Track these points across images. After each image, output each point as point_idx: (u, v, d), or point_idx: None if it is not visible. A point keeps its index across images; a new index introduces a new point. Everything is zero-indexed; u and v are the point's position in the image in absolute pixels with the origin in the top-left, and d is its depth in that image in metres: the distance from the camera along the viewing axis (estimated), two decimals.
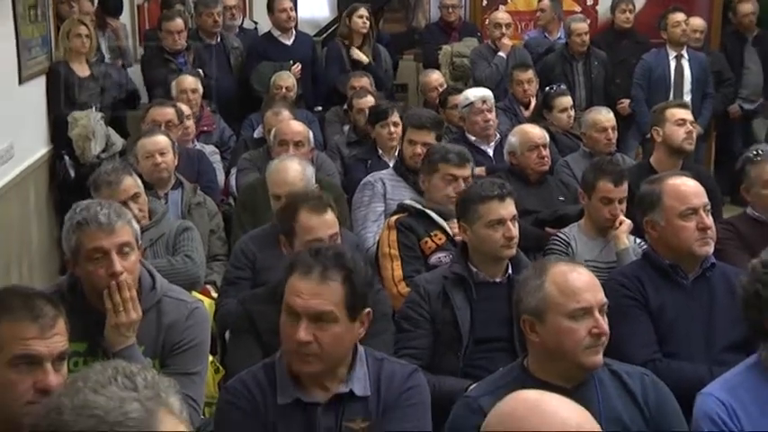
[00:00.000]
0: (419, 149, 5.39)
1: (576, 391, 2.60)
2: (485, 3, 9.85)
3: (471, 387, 3.20)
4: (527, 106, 7.59)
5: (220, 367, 4.07)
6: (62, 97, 6.74)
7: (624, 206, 4.61)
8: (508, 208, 3.88)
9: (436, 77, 8.13)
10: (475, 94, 6.68)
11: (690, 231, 3.69)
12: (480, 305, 3.80)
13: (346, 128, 7.28)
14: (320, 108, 8.25)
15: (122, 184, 4.52)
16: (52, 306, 2.49)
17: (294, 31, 8.60)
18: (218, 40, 8.42)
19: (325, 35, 9.73)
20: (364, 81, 7.60)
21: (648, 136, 6.00)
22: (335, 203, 3.93)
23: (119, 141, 6.69)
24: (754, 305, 2.85)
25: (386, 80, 8.57)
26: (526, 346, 2.92)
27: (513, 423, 1.93)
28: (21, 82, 6.20)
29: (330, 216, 3.81)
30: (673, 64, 8.20)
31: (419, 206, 4.72)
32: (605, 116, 6.19)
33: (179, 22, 7.84)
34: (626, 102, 8.39)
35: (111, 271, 3.16)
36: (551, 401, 1.97)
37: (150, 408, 1.68)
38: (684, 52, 8.22)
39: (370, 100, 6.95)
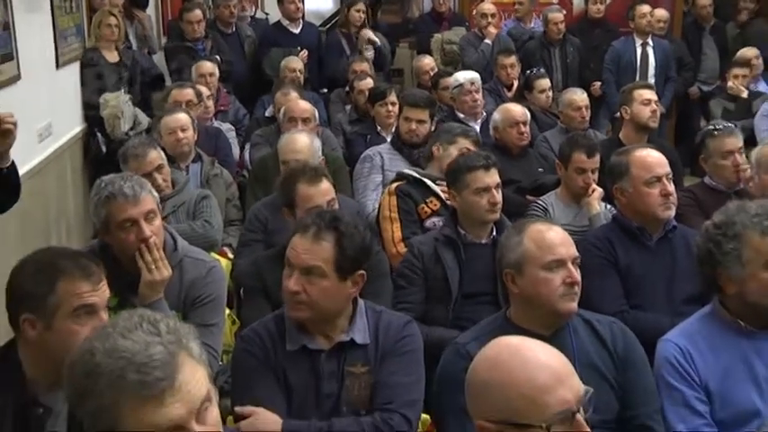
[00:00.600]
0: (414, 125, 5.45)
1: (552, 338, 2.60)
2: None
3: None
4: (510, 88, 7.59)
5: (236, 319, 4.06)
6: (94, 81, 6.71)
7: (596, 176, 4.60)
8: (493, 177, 3.87)
9: (428, 62, 8.13)
10: (464, 76, 6.70)
11: (654, 197, 3.70)
12: (468, 264, 3.79)
13: (348, 107, 7.26)
14: (325, 90, 8.25)
15: (148, 157, 4.53)
16: (95, 263, 2.51)
17: (301, 21, 8.64)
18: (234, 29, 8.46)
19: (328, 25, 9.71)
20: (364, 65, 7.59)
21: (617, 114, 6.01)
22: (338, 174, 3.92)
23: (145, 120, 6.65)
24: (707, 262, 2.87)
25: (385, 63, 8.58)
26: (508, 299, 2.92)
27: (498, 365, 1.93)
28: (58, 67, 6.15)
29: (325, 185, 3.80)
30: (639, 50, 8.23)
31: (416, 174, 4.70)
32: (580, 96, 6.23)
33: (198, 13, 7.91)
34: (597, 84, 8.39)
35: (142, 237, 3.19)
36: (531, 346, 1.97)
37: (172, 351, 1.68)
38: (649, 40, 8.24)
39: (369, 82, 6.94)
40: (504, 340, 2.00)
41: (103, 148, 6.54)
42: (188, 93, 6.12)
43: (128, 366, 1.64)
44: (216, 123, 6.62)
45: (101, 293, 2.46)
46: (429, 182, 4.63)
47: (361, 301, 2.86)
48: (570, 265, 2.79)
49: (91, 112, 6.66)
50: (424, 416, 2.96)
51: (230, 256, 4.69)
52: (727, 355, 2.82)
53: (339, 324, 2.79)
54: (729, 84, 7.71)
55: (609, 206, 4.45)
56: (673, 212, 3.75)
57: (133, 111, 6.60)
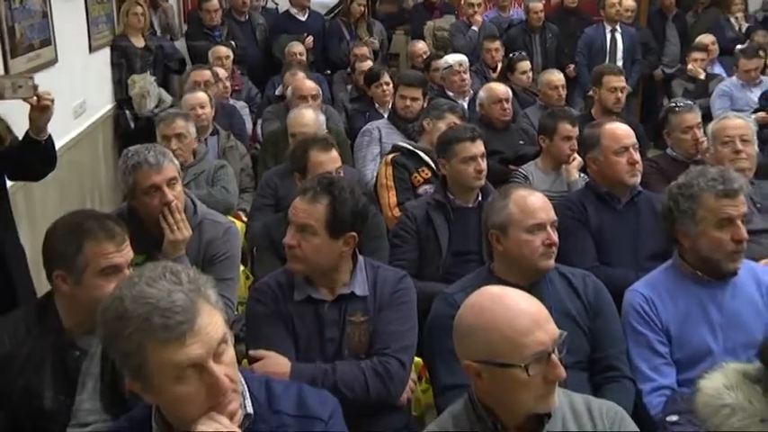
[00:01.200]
0: (408, 102, 5.47)
1: (531, 288, 2.59)
2: None
3: None
4: (494, 69, 7.56)
5: (250, 275, 4.07)
6: (123, 63, 6.68)
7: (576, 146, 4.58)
8: (478, 147, 3.85)
9: (421, 47, 8.12)
10: (453, 59, 6.68)
11: (622, 165, 3.69)
12: (456, 225, 3.78)
13: (349, 87, 7.27)
14: (329, 72, 8.22)
15: (173, 123, 4.60)
16: (119, 225, 2.48)
17: (308, 10, 8.60)
18: (247, 17, 8.43)
19: (332, 14, 9.67)
20: (364, 50, 7.54)
21: (589, 93, 6.04)
22: (340, 147, 3.91)
23: (168, 99, 6.64)
24: (668, 218, 2.91)
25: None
26: (492, 256, 2.92)
27: (482, 311, 1.93)
28: (90, 51, 6.13)
29: (335, 153, 3.79)
30: (609, 36, 8.16)
31: (410, 147, 4.69)
32: (557, 77, 6.22)
33: (215, 2, 7.94)
34: (572, 66, 8.33)
35: (165, 200, 3.17)
36: (512, 294, 1.97)
37: (192, 297, 1.69)
38: (618, 27, 8.16)
39: (368, 65, 6.91)
40: (487, 289, 2.00)
41: (131, 124, 6.54)
42: (206, 74, 6.10)
43: (153, 311, 1.65)
44: (231, 101, 6.60)
45: (125, 254, 2.43)
46: (422, 153, 4.61)
47: (360, 258, 2.85)
48: (549, 228, 2.80)
49: (120, 91, 6.64)
50: (416, 359, 2.97)
51: (244, 219, 4.69)
52: (686, 302, 2.84)
53: (340, 278, 2.78)
54: (689, 66, 7.70)
55: (583, 175, 4.44)
56: (638, 179, 3.74)
57: (158, 91, 6.59)
